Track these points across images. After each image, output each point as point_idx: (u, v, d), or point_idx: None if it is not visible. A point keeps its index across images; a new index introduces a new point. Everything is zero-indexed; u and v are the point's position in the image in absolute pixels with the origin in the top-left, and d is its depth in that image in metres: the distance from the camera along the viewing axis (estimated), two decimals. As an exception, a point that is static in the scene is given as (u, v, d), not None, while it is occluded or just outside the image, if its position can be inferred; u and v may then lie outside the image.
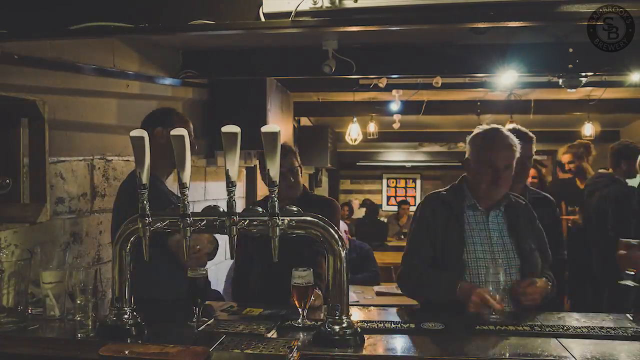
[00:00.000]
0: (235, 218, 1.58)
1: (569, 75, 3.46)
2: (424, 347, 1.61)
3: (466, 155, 2.28)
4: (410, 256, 2.25)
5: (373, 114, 6.26)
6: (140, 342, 1.62)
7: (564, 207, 4.51)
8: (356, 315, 1.97)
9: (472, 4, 1.93)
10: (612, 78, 4.36)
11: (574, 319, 1.92)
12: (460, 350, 1.60)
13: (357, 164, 10.64)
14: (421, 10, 1.96)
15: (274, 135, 1.51)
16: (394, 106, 5.62)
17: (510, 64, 3.27)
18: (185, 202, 1.60)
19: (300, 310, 1.84)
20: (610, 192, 3.76)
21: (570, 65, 3.22)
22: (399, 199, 10.94)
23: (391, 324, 1.82)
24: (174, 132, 1.58)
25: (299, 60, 3.47)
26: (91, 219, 2.70)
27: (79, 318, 1.67)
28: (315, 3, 1.92)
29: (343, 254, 1.61)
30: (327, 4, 1.92)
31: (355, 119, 6.09)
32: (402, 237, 8.15)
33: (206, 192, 4.21)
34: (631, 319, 1.90)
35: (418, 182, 12.04)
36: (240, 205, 3.76)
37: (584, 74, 3.45)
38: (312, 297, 1.89)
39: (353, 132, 6.11)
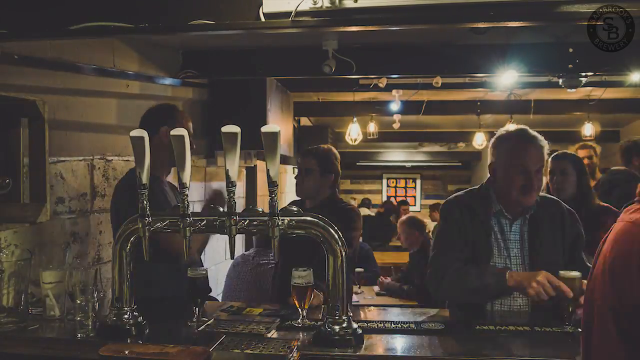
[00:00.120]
0: (235, 218, 1.58)
1: (569, 75, 3.46)
2: (424, 347, 1.61)
3: (491, 159, 2.14)
4: (442, 256, 2.08)
5: (373, 114, 6.26)
6: (140, 342, 1.63)
7: None
8: (356, 315, 1.97)
9: (472, 4, 1.93)
10: (612, 78, 4.36)
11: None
12: (460, 350, 1.60)
13: (357, 164, 10.66)
14: (421, 10, 1.95)
15: (274, 135, 1.51)
16: (394, 106, 5.62)
17: (510, 64, 3.26)
18: (185, 202, 1.60)
19: (300, 310, 1.85)
20: (633, 187, 3.73)
21: (570, 65, 3.22)
22: (398, 199, 10.95)
23: (391, 324, 1.82)
24: (174, 132, 1.58)
25: (299, 60, 3.47)
26: (91, 219, 2.70)
27: (79, 318, 1.67)
28: (315, 3, 1.92)
29: (343, 254, 1.61)
30: (327, 4, 1.92)
31: (355, 119, 6.09)
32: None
33: (206, 192, 4.21)
34: None
35: (418, 182, 12.06)
36: (240, 205, 3.76)
37: (584, 74, 3.44)
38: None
39: (353, 132, 6.11)
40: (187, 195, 1.60)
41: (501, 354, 1.56)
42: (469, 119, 6.66)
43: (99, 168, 2.77)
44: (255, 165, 4.79)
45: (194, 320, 1.80)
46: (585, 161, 4.82)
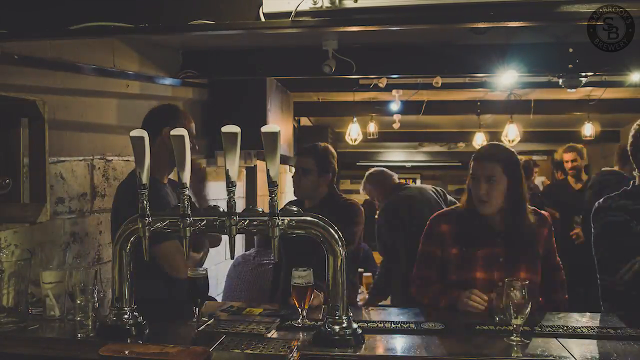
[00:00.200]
0: (235, 218, 1.58)
1: (569, 75, 3.46)
2: (424, 347, 1.61)
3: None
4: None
5: (373, 114, 6.25)
6: (140, 342, 1.63)
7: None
8: (356, 315, 1.97)
9: (472, 4, 1.93)
10: (612, 78, 4.36)
11: (574, 319, 1.92)
12: (460, 350, 1.60)
13: (357, 164, 10.64)
14: (421, 10, 1.96)
15: (274, 135, 1.51)
16: (394, 106, 5.61)
17: (510, 64, 3.26)
18: (185, 202, 1.60)
19: (300, 310, 1.85)
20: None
21: (570, 65, 3.22)
22: (399, 199, 10.92)
23: (391, 324, 1.83)
24: (174, 132, 1.58)
25: (299, 60, 3.46)
26: (91, 219, 2.70)
27: (79, 318, 1.67)
28: (315, 3, 1.92)
29: (343, 254, 1.61)
30: (327, 4, 1.92)
31: (355, 119, 6.08)
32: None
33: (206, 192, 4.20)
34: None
35: (418, 182, 12.04)
36: (240, 205, 3.76)
37: (584, 74, 3.44)
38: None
39: (353, 132, 6.10)
40: (187, 195, 1.60)
41: (501, 353, 1.56)
42: (469, 119, 6.65)
43: (99, 168, 2.77)
44: (255, 165, 4.79)
45: (194, 320, 1.80)
46: (569, 164, 4.85)
